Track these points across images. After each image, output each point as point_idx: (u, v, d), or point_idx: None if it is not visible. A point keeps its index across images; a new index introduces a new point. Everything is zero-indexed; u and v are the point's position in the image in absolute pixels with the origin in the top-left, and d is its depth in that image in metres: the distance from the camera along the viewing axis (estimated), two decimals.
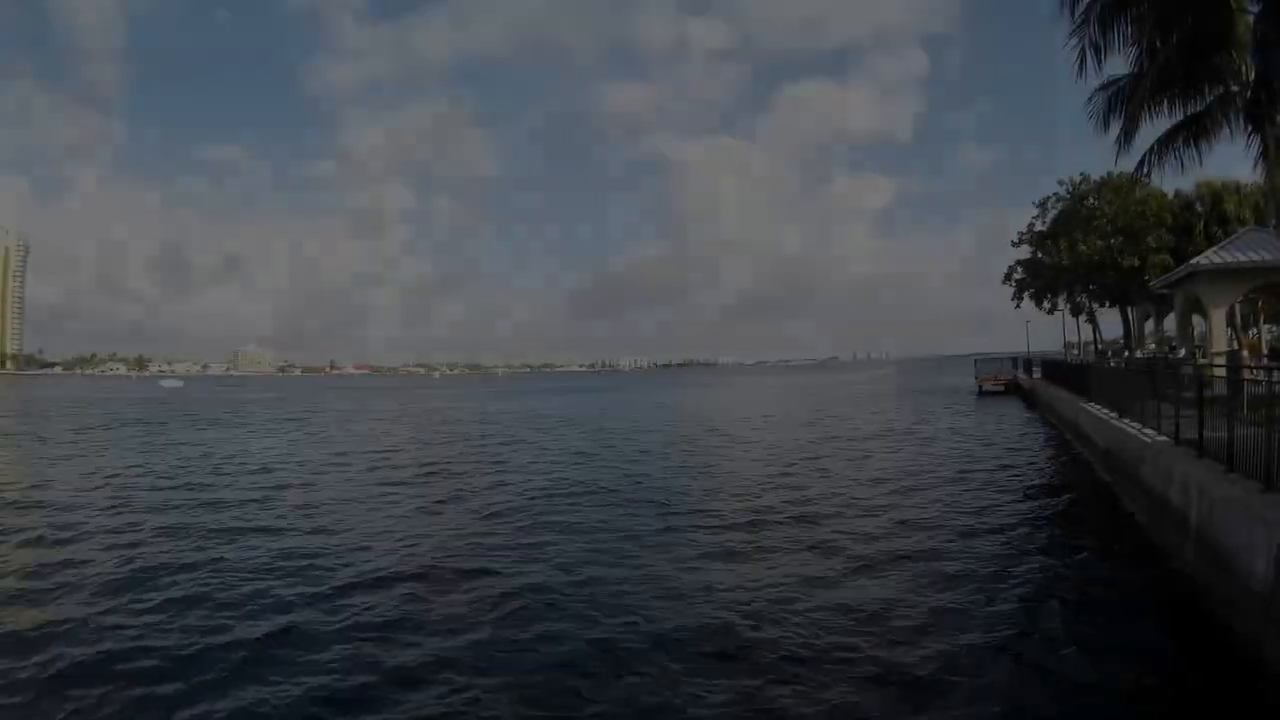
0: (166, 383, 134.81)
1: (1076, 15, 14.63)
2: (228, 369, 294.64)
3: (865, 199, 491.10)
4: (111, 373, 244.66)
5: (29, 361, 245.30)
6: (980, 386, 55.99)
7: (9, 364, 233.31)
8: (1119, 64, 15.34)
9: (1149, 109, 14.90)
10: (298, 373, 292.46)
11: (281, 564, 10.96)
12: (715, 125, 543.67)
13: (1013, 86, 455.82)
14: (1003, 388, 54.00)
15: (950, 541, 11.65)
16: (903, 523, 13.18)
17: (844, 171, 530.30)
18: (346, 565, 10.85)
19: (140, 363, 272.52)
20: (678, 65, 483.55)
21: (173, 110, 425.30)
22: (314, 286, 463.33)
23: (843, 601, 8.75)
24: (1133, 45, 14.59)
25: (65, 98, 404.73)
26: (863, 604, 8.65)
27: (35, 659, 7.30)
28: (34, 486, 18.53)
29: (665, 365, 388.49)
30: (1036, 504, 14.89)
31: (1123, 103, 15.23)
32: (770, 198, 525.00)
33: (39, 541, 12.54)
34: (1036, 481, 17.64)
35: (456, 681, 6.84)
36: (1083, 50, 14.71)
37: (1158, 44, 14.21)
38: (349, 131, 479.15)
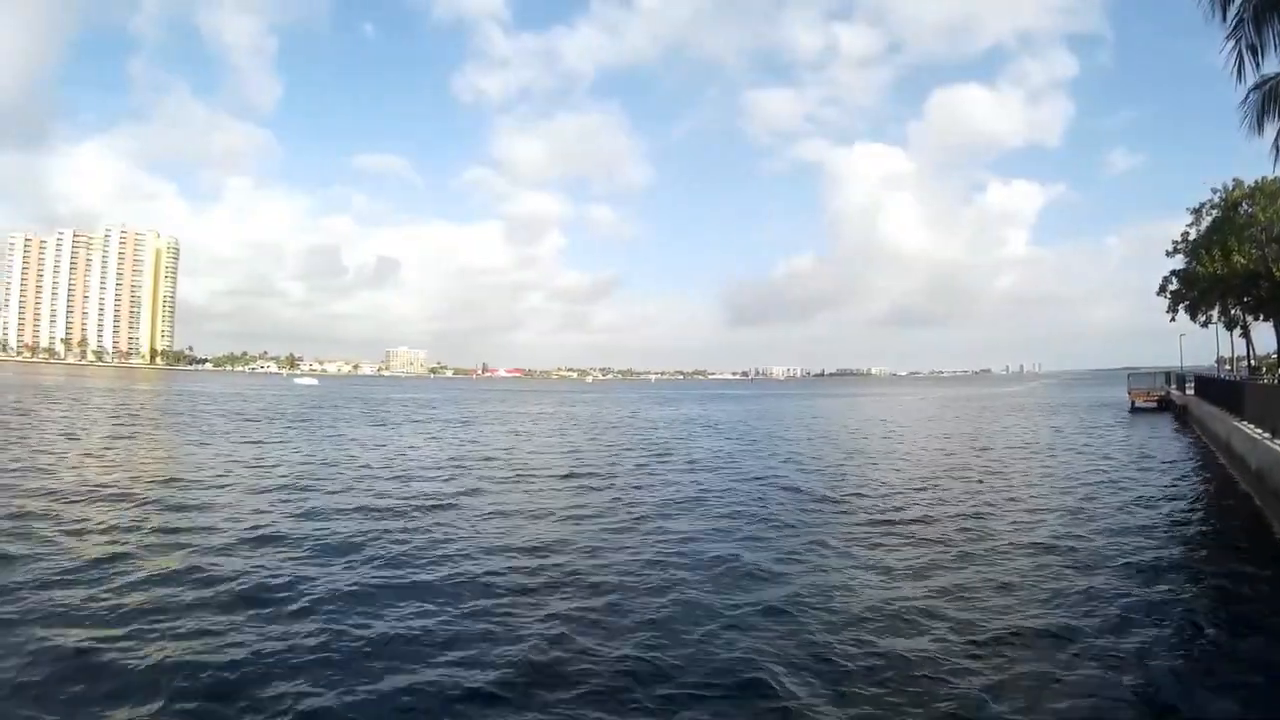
0: (301, 381, 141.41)
1: (1229, 17, 14.03)
2: (380, 369, 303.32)
3: (1017, 207, 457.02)
4: (262, 370, 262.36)
5: (178, 358, 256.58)
6: (1133, 403, 53.97)
7: (159, 360, 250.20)
8: (1277, 65, 14.54)
9: None
10: (449, 374, 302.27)
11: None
12: (865, 132, 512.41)
13: (1166, 87, 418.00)
14: (1155, 404, 52.15)
15: (1093, 558, 11.60)
16: (1060, 536, 13.23)
17: (995, 178, 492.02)
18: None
19: (291, 361, 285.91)
20: (826, 71, 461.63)
21: (324, 120, 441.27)
22: (467, 290, 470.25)
23: (1012, 602, 9.34)
24: None
25: (220, 110, 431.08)
26: (1032, 601, 9.37)
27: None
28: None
29: (819, 374, 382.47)
30: (1183, 525, 14.39)
31: (1276, 103, 14.38)
32: (922, 205, 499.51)
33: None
34: (1185, 502, 17.00)
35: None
36: (1239, 53, 14.12)
37: None
38: (500, 139, 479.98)
